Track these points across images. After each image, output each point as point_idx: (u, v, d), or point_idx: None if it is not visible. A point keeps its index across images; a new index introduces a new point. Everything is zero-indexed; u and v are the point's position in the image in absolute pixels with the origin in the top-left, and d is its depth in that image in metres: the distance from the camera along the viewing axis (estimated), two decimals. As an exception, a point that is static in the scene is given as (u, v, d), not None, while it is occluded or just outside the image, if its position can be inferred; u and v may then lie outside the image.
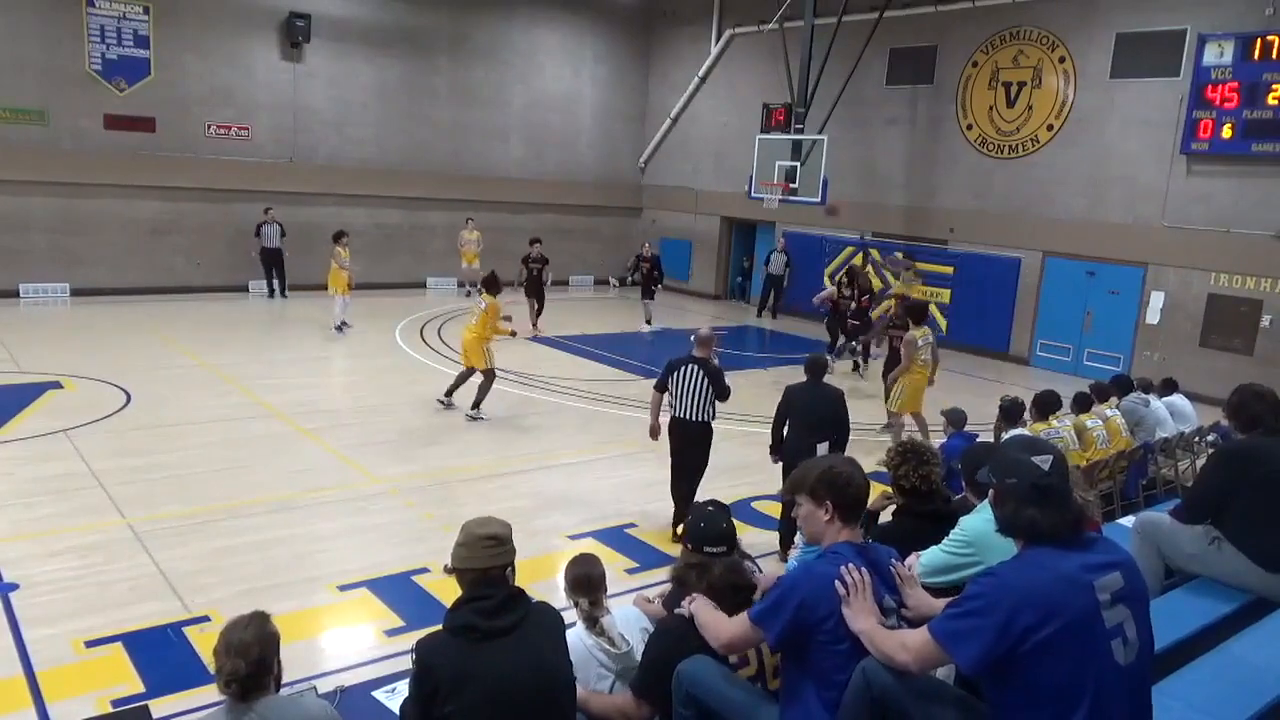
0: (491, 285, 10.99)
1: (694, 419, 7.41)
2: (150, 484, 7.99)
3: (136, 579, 6.21)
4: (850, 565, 2.93)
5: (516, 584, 3.13)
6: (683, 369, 7.42)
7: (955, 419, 7.56)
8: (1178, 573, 4.82)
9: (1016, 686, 2.60)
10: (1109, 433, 8.20)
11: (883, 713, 2.77)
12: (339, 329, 15.30)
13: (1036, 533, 2.68)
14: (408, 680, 3.08)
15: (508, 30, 21.57)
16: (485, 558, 3.05)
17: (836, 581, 2.91)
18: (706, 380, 7.37)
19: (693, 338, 7.77)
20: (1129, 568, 2.72)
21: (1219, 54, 13.85)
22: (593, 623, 3.57)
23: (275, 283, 18.45)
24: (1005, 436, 6.70)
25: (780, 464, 7.34)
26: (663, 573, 6.70)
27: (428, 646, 2.99)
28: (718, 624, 3.20)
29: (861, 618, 2.86)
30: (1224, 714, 3.33)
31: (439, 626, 3.06)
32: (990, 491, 2.84)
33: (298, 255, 18.53)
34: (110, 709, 4.72)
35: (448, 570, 3.12)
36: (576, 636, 3.49)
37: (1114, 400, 8.88)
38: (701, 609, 3.29)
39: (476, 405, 10.66)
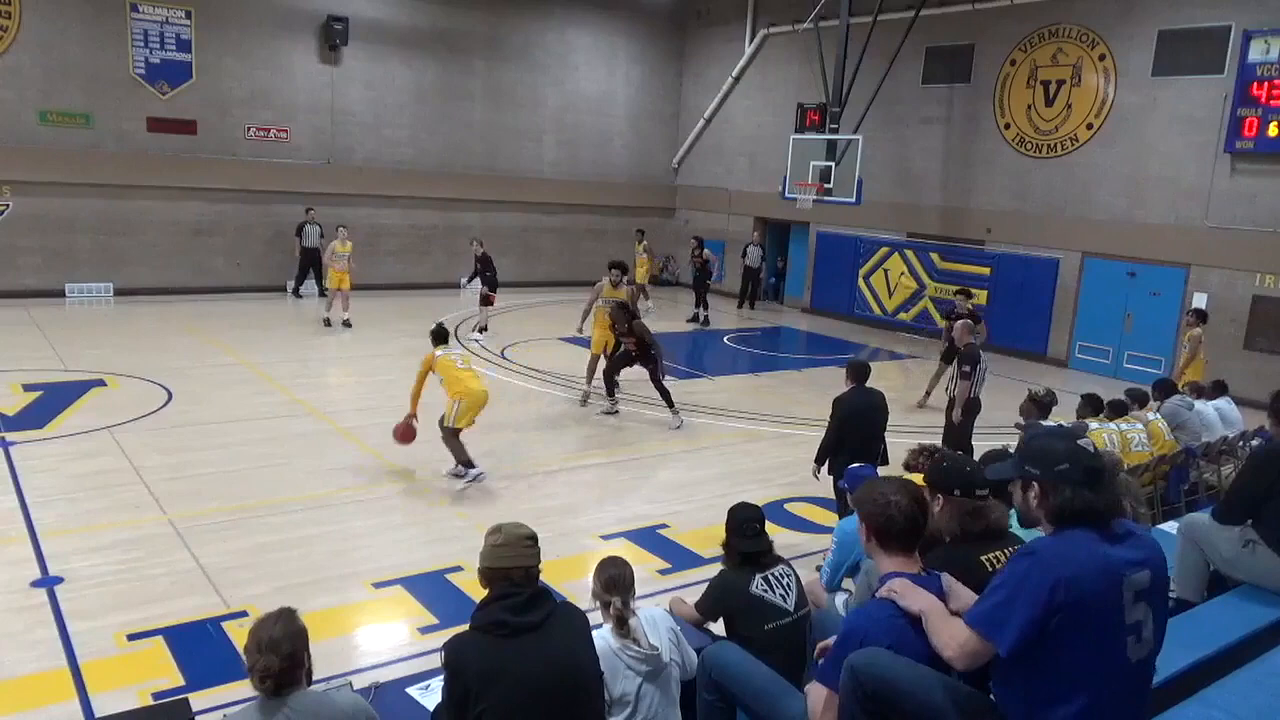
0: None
1: None
2: (190, 480, 8.12)
3: (177, 574, 6.32)
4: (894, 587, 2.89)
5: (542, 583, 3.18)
6: None
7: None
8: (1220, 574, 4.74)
9: (1028, 666, 2.59)
10: (1150, 435, 8.07)
11: (876, 707, 2.74)
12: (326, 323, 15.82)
13: (1093, 515, 2.64)
14: (441, 678, 3.11)
15: (542, 32, 21.67)
16: (526, 556, 3.14)
17: (894, 596, 2.85)
18: None
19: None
20: (1159, 566, 2.69)
21: (1265, 50, 13.56)
22: (621, 623, 3.58)
23: (312, 282, 18.64)
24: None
25: (832, 478, 7.19)
26: (696, 573, 6.69)
27: (455, 646, 3.02)
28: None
29: (919, 600, 2.81)
30: (1267, 724, 3.26)
31: (467, 625, 3.09)
32: (1036, 485, 2.74)
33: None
34: (151, 701, 4.79)
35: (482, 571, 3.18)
36: (602, 638, 3.51)
37: (1154, 405, 8.74)
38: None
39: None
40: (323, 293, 18.31)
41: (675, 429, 10.68)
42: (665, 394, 10.80)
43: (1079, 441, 2.72)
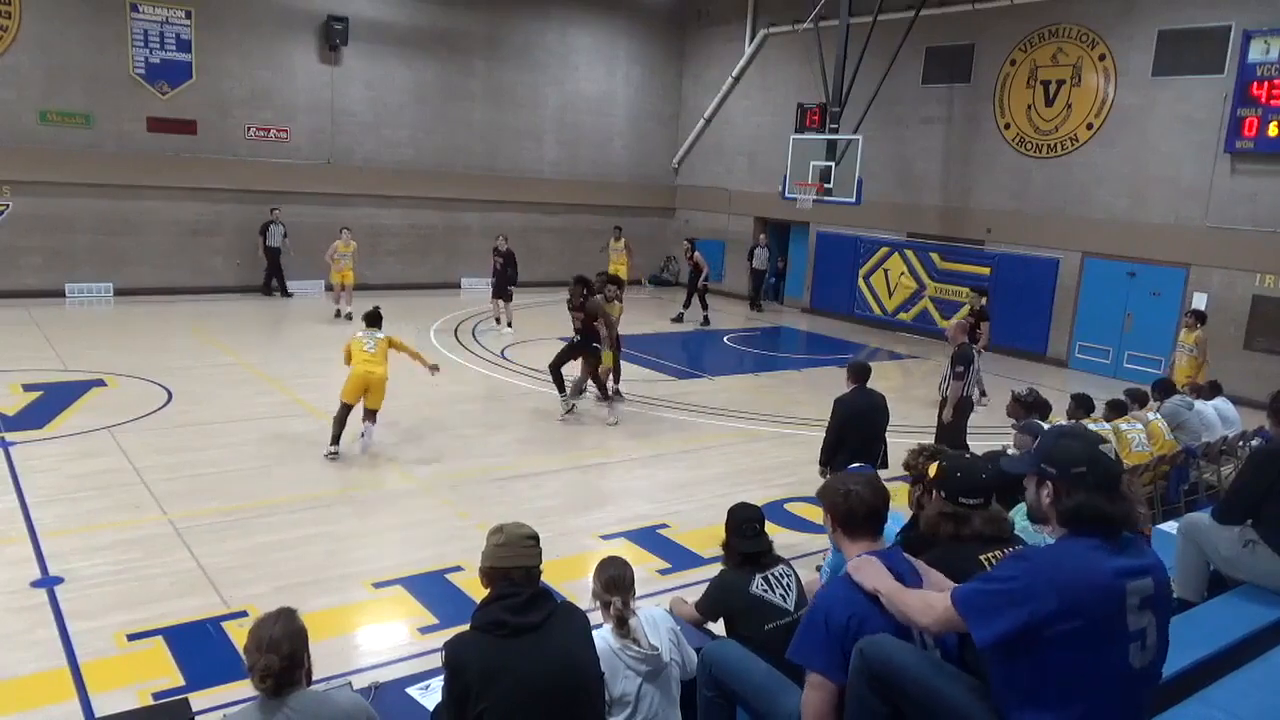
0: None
1: None
2: (190, 480, 8.12)
3: (177, 574, 6.32)
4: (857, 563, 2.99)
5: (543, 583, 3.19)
6: None
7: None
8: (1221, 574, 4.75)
9: (1026, 667, 2.59)
10: (1150, 435, 8.08)
11: (882, 689, 2.75)
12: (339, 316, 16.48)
13: (1105, 523, 2.61)
14: (441, 678, 3.12)
15: (542, 32, 21.68)
16: (528, 556, 3.16)
17: (850, 571, 2.94)
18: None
19: None
20: (1160, 572, 2.68)
21: (1264, 50, 13.56)
22: (621, 623, 3.58)
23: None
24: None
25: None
26: (696, 573, 6.69)
27: (456, 645, 3.03)
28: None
29: (878, 579, 2.87)
30: (1268, 724, 3.26)
31: (468, 625, 3.10)
32: (1050, 483, 2.69)
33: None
34: (151, 701, 4.79)
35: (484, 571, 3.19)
36: (602, 638, 3.51)
37: (1154, 405, 8.74)
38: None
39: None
40: (286, 293, 18.55)
41: (611, 424, 10.83)
42: (601, 387, 11.01)
43: (1100, 447, 2.66)
